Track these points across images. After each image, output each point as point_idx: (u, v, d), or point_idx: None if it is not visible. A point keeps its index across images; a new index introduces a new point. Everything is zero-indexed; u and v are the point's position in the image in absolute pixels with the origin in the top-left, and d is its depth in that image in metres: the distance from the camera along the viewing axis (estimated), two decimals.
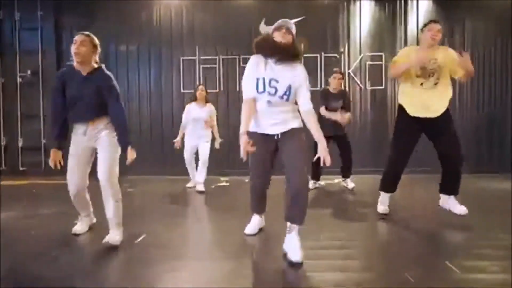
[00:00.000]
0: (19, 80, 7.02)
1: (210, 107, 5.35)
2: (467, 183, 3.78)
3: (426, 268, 2.41)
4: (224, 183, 6.01)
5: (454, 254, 2.66)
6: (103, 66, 2.95)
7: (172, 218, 3.84)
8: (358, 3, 6.91)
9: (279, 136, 2.74)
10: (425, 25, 3.48)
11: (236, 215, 3.80)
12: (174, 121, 6.91)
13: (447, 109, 3.43)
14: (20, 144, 7.03)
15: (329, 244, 2.91)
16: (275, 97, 2.65)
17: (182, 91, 6.93)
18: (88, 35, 2.87)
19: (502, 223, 3.37)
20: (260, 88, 2.64)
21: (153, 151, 6.94)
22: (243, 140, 2.47)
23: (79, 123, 2.93)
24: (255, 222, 3.20)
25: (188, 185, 5.53)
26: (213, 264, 2.55)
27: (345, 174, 5.30)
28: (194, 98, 5.32)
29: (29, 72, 6.95)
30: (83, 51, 2.78)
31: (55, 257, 2.70)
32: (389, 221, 3.60)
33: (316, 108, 3.22)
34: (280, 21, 2.70)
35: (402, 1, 6.88)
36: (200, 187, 5.20)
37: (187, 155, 5.31)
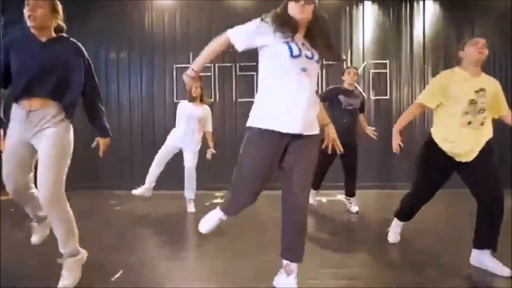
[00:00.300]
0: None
1: (206, 108, 4.69)
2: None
3: None
4: (219, 199, 5.64)
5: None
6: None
7: (157, 249, 3.45)
8: (361, 7, 6.58)
9: (293, 137, 2.12)
10: (465, 42, 2.81)
11: (234, 246, 3.40)
12: (166, 132, 6.54)
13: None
14: None
15: (334, 283, 2.52)
16: (313, 62, 2.10)
17: (175, 100, 6.56)
18: None
19: None
20: (296, 51, 2.05)
21: (144, 163, 6.55)
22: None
23: (23, 101, 2.21)
24: (216, 219, 2.48)
25: (136, 191, 4.64)
26: None
27: (350, 191, 4.68)
28: (189, 98, 4.62)
29: None
30: (40, 12, 2.21)
31: None
32: (400, 248, 3.22)
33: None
34: None
35: (408, 4, 6.55)
36: (191, 207, 4.68)
37: (161, 154, 4.57)
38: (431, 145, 2.89)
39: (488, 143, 2.74)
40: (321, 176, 4.59)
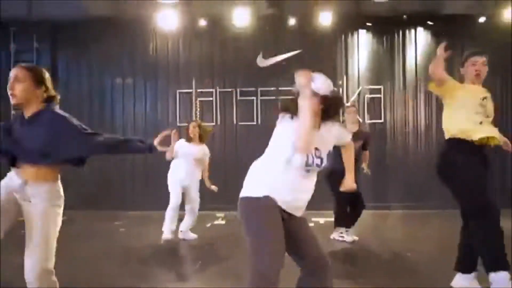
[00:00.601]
0: (12, 112, 6.93)
1: (204, 148, 4.71)
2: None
3: None
4: (220, 220, 5.85)
5: None
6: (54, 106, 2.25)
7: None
8: (356, 35, 6.92)
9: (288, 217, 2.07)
10: (466, 58, 3.00)
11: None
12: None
13: None
14: None
15: None
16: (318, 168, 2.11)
17: (178, 124, 6.83)
18: (27, 68, 2.20)
19: None
20: (310, 161, 2.03)
21: (148, 186, 6.80)
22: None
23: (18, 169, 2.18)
24: None
25: (165, 237, 4.48)
26: None
27: (353, 222, 4.59)
28: (187, 138, 4.61)
29: None
30: (19, 89, 2.11)
31: None
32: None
33: None
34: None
35: (400, 33, 6.89)
36: (188, 235, 4.66)
37: (175, 197, 4.53)
38: (463, 145, 2.79)
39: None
40: (344, 210, 4.53)
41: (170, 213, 4.53)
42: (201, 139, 4.66)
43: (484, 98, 2.87)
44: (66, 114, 2.22)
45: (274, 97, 6.47)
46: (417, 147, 6.75)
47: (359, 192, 4.32)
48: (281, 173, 2.04)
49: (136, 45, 7.02)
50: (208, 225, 5.51)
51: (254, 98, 6.87)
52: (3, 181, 2.19)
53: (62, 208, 2.23)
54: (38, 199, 2.12)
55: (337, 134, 2.18)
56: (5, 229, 2.12)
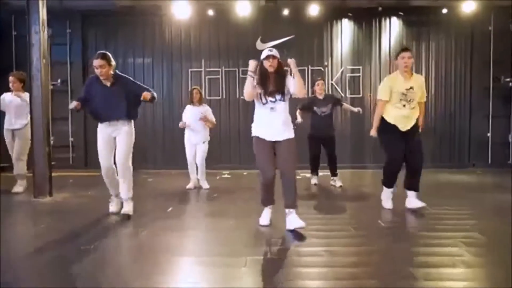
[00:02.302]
0: (50, 87, 8.15)
1: (205, 107, 5.78)
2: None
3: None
4: (226, 175, 7.22)
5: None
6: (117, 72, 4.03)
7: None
8: (339, 23, 8.13)
9: (276, 142, 3.55)
10: (398, 53, 4.18)
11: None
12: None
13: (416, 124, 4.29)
14: (51, 142, 8.16)
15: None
16: (278, 102, 3.50)
17: None
18: (103, 57, 3.82)
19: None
20: (264, 101, 3.51)
21: (165, 149, 8.15)
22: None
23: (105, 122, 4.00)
24: (267, 214, 3.69)
25: (189, 186, 5.73)
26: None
27: (333, 172, 5.91)
28: (190, 101, 5.76)
29: (59, 80, 8.11)
30: (104, 71, 3.83)
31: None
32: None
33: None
34: (266, 51, 3.53)
35: (377, 22, 8.11)
36: (204, 185, 5.81)
37: (189, 156, 5.71)
38: (385, 124, 4.28)
39: (416, 121, 4.27)
40: (313, 162, 5.95)
41: (189, 166, 5.78)
42: (201, 101, 5.78)
43: (410, 88, 4.18)
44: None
45: None
46: None
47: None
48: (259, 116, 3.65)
49: (154, 30, 8.19)
50: (218, 177, 6.89)
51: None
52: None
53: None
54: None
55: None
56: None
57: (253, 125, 3.70)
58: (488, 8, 7.64)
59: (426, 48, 8.11)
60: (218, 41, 8.17)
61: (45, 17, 5.19)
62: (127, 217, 3.95)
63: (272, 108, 3.52)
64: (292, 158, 3.58)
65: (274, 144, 3.56)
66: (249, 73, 3.55)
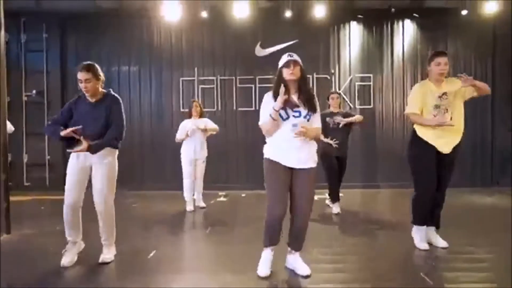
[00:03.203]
0: (24, 99, 7.33)
1: (205, 119, 5.49)
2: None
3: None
4: (222, 198, 6.36)
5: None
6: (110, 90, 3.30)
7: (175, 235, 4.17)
8: (347, 27, 7.37)
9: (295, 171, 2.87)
10: (432, 57, 3.46)
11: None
12: (173, 140, 7.25)
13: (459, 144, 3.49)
14: (25, 160, 7.32)
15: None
16: (301, 118, 2.82)
17: (181, 110, 7.28)
18: (89, 70, 3.10)
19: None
20: (284, 116, 2.81)
21: (153, 164, 7.29)
22: None
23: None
24: (268, 260, 2.98)
25: (188, 208, 5.37)
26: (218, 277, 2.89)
27: (335, 197, 5.18)
28: (189, 115, 5.45)
29: (34, 91, 7.26)
30: (90, 85, 3.11)
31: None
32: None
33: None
34: (285, 56, 2.87)
35: (389, 25, 7.35)
36: (201, 203, 5.52)
37: (186, 173, 5.35)
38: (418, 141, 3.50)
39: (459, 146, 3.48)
40: (334, 187, 5.12)
41: (187, 186, 5.36)
42: (201, 115, 5.49)
43: (443, 94, 3.41)
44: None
45: (271, 85, 6.89)
46: (403, 130, 7.28)
47: None
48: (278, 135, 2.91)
49: (141, 35, 7.38)
50: (212, 201, 6.01)
51: (253, 85, 7.31)
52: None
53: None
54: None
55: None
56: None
57: (266, 146, 2.97)
58: (511, 9, 6.89)
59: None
60: (213, 47, 7.36)
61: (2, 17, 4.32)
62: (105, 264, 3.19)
63: (294, 125, 2.79)
64: (312, 194, 2.90)
65: (291, 172, 2.87)
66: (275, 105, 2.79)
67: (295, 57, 2.86)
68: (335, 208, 5.09)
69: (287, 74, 2.82)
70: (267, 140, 2.95)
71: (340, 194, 5.22)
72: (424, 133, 3.46)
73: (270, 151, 2.92)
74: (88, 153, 3.07)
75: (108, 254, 3.25)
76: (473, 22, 7.04)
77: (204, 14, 6.98)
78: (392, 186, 7.00)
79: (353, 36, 7.37)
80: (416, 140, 3.51)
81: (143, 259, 3.33)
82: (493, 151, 7.37)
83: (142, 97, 7.41)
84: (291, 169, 2.85)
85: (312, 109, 2.87)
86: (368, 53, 7.34)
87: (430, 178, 3.46)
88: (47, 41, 7.34)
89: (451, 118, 3.41)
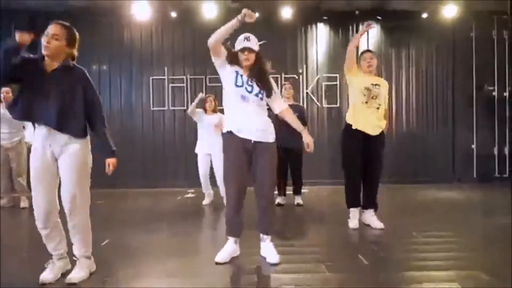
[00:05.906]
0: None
1: (220, 115, 5.29)
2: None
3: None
4: (190, 195, 6.44)
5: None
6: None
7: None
8: (314, 28, 7.57)
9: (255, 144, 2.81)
10: (361, 54, 3.95)
11: None
12: (144, 138, 7.33)
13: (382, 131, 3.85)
14: None
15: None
16: (252, 95, 2.81)
17: (151, 108, 7.34)
18: (64, 27, 2.48)
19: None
20: (239, 83, 2.80)
21: (124, 166, 7.28)
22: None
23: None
24: (229, 248, 2.93)
25: (205, 202, 5.42)
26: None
27: (297, 190, 5.30)
28: (204, 110, 5.42)
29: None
30: (54, 45, 2.41)
31: None
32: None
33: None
34: (241, 40, 2.91)
35: (354, 27, 7.58)
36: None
37: (203, 166, 5.32)
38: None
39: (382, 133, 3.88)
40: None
41: (202, 180, 5.36)
42: (215, 110, 5.45)
43: (377, 86, 3.79)
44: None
45: None
46: None
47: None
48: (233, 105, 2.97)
49: (111, 34, 7.42)
50: (179, 198, 6.09)
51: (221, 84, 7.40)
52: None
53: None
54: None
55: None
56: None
57: (225, 118, 2.98)
58: (470, 13, 7.23)
59: (406, 55, 7.63)
60: (183, 46, 7.46)
61: None
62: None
63: (243, 97, 2.80)
64: (274, 171, 2.91)
65: (252, 146, 2.82)
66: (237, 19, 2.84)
67: (251, 43, 2.84)
68: (279, 199, 5.17)
69: (242, 59, 2.87)
70: (226, 114, 2.95)
71: (304, 190, 5.33)
72: (353, 120, 3.83)
73: (229, 123, 2.88)
74: (51, 136, 2.42)
75: (80, 271, 2.52)
76: (434, 25, 7.36)
77: (174, 14, 7.09)
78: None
79: (320, 37, 7.59)
80: (346, 128, 3.90)
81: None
82: (454, 149, 7.67)
83: (112, 96, 7.44)
84: (250, 143, 2.82)
85: (264, 89, 2.83)
86: (334, 54, 7.53)
87: (355, 162, 3.81)
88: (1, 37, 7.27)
89: (378, 107, 3.77)
